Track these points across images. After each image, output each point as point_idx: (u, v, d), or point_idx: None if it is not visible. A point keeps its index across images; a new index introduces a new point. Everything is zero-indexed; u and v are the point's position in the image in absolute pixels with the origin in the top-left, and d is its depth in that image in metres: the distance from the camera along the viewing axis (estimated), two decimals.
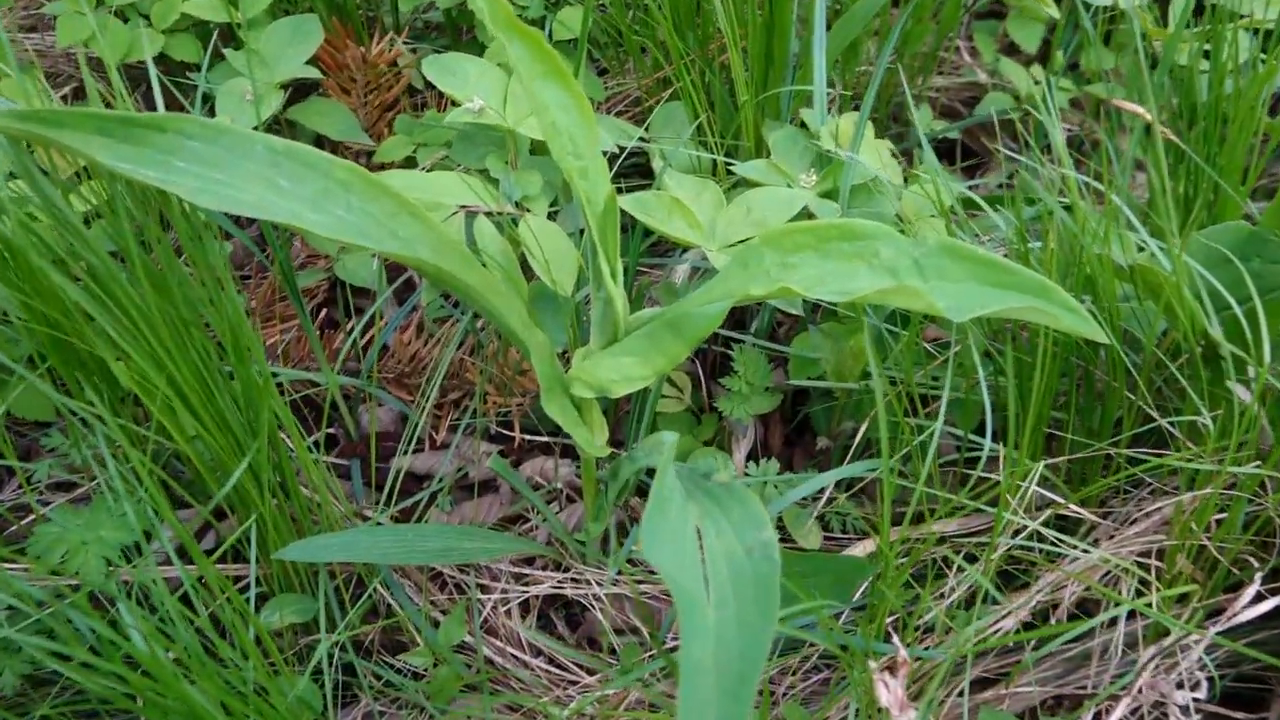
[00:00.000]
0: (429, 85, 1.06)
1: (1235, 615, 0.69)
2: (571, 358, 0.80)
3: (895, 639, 0.62)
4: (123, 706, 0.65)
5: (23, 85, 0.76)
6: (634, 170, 1.00)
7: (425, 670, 0.78)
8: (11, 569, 0.73)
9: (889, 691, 0.57)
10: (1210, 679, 0.70)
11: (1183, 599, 0.76)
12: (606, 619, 0.82)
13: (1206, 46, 0.95)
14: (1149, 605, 0.73)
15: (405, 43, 1.06)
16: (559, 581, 0.83)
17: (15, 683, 0.70)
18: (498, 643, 0.80)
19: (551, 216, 0.86)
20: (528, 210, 0.84)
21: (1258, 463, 0.71)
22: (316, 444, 0.90)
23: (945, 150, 1.19)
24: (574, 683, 0.79)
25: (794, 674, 0.79)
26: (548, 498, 0.89)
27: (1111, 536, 0.78)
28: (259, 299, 0.96)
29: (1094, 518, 0.77)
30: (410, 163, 0.96)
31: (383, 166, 0.95)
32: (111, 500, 0.72)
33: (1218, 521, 0.75)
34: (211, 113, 0.91)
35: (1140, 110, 0.70)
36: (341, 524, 0.81)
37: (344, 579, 0.81)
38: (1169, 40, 0.94)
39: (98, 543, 0.69)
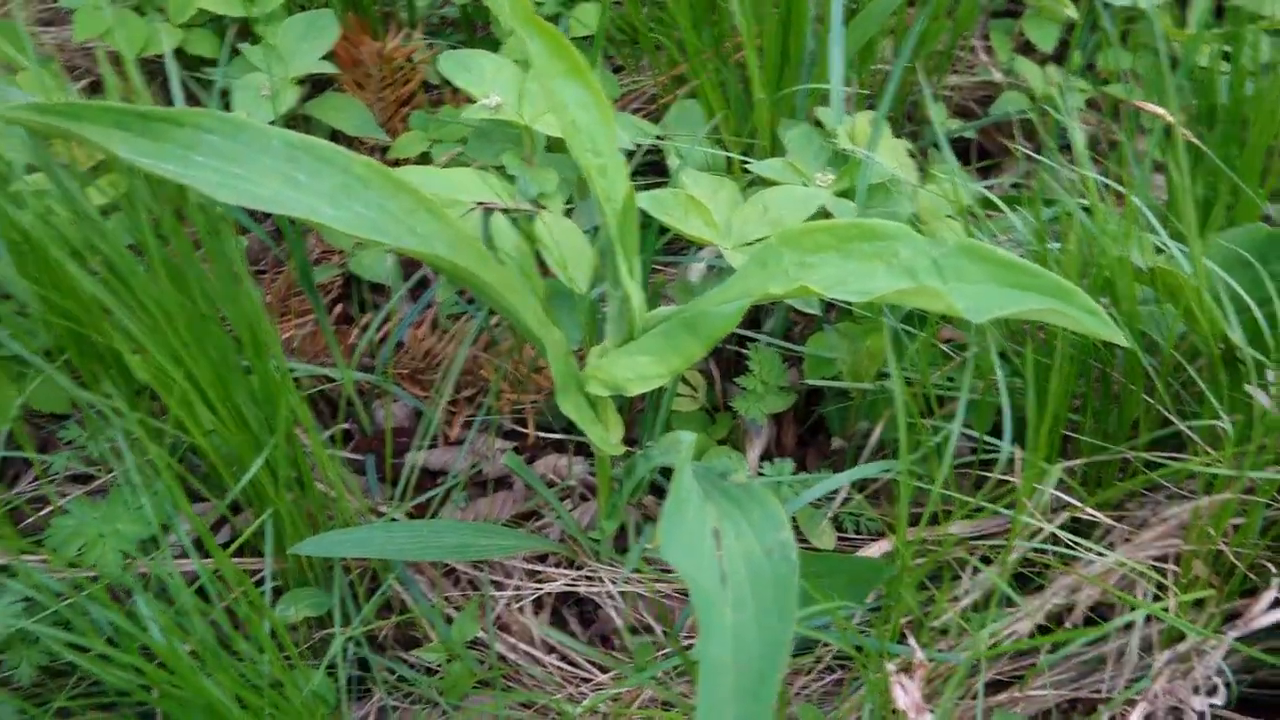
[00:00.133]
0: (444, 81, 1.06)
1: (1253, 620, 0.69)
2: (586, 355, 0.80)
3: (911, 641, 0.62)
4: (140, 699, 0.65)
5: (41, 79, 0.76)
6: (649, 168, 0.99)
7: (439, 666, 0.78)
8: (29, 561, 0.74)
9: (906, 694, 0.57)
10: (1227, 684, 0.70)
11: (1199, 604, 0.76)
12: (620, 617, 0.82)
13: (1226, 48, 0.95)
14: (1165, 610, 0.73)
15: (420, 38, 1.06)
16: (572, 579, 0.83)
17: (32, 673, 0.70)
18: (511, 639, 0.81)
19: (566, 214, 0.86)
20: (543, 207, 0.84)
21: (1277, 468, 0.71)
22: (332, 439, 0.90)
23: (960, 149, 1.18)
24: (587, 680, 0.79)
25: (807, 674, 0.79)
26: (561, 495, 0.89)
27: (1127, 540, 0.77)
28: (274, 293, 0.96)
29: (1110, 521, 0.77)
30: (425, 159, 0.96)
31: (398, 162, 0.95)
32: (128, 493, 0.72)
33: (1235, 526, 0.74)
34: (227, 108, 0.91)
35: (1162, 112, 0.70)
36: (356, 519, 0.81)
37: (358, 574, 0.81)
38: (1188, 41, 0.93)
39: (115, 536, 0.69)
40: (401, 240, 0.65)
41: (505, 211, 0.80)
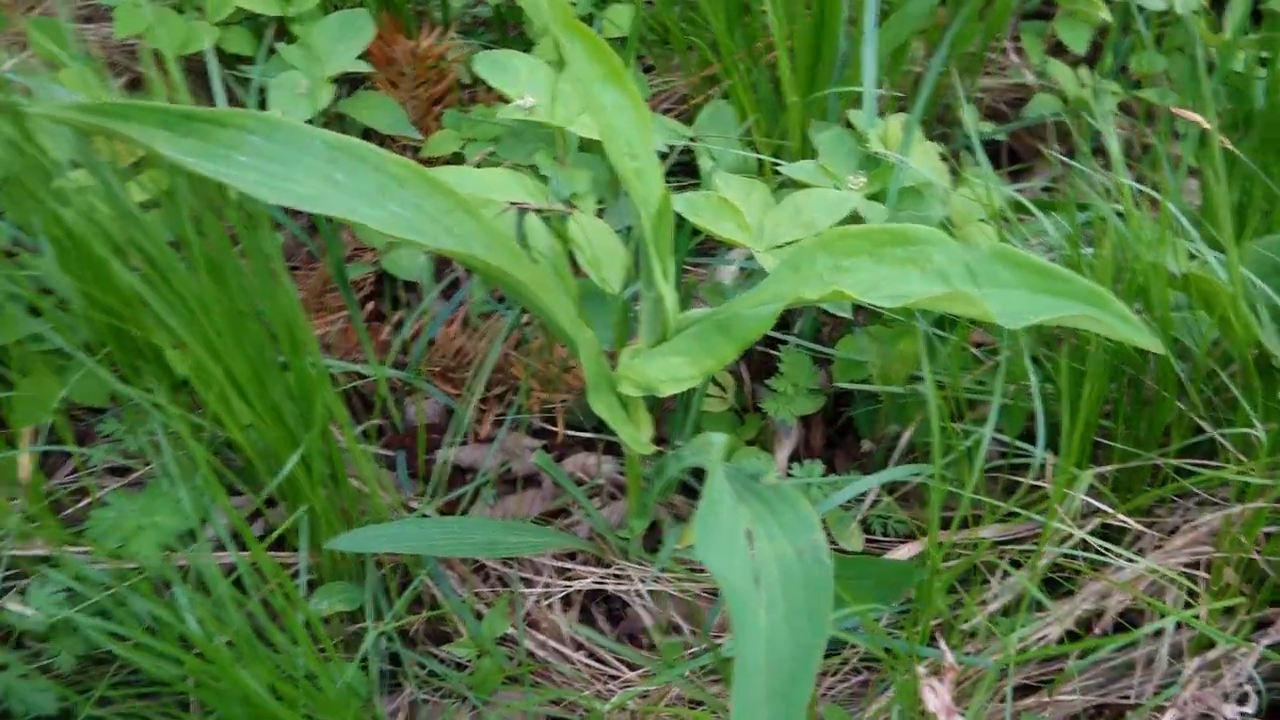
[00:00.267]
0: (476, 80, 1.07)
1: None
2: (617, 355, 0.81)
3: (942, 644, 0.63)
4: (178, 689, 0.66)
5: (85, 77, 0.77)
6: (680, 168, 1.00)
7: (469, 661, 0.79)
8: (69, 551, 0.75)
9: (936, 696, 0.58)
10: (1258, 692, 0.70)
11: (1229, 611, 0.76)
12: (648, 615, 0.82)
13: (1263, 54, 0.94)
14: (1196, 617, 0.73)
15: (453, 37, 1.07)
16: (601, 577, 0.83)
17: (72, 662, 0.72)
18: (540, 636, 0.81)
19: (598, 214, 0.87)
20: (575, 207, 0.84)
21: None
22: (365, 435, 0.91)
23: (991, 152, 1.18)
24: (614, 678, 0.80)
25: (833, 675, 0.79)
26: (590, 493, 0.89)
27: (1158, 547, 0.77)
28: (308, 290, 0.97)
29: (1140, 527, 0.77)
30: (458, 158, 0.96)
31: (430, 160, 0.96)
32: (166, 486, 0.73)
33: (1267, 535, 0.74)
34: (264, 106, 0.92)
35: (1199, 119, 0.70)
36: (388, 515, 0.82)
37: (390, 568, 0.82)
38: (1224, 47, 0.93)
39: (154, 528, 0.70)
40: (439, 240, 0.66)
41: (538, 212, 0.81)
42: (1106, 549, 0.75)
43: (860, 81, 0.91)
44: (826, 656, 0.78)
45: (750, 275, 0.91)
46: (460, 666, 0.80)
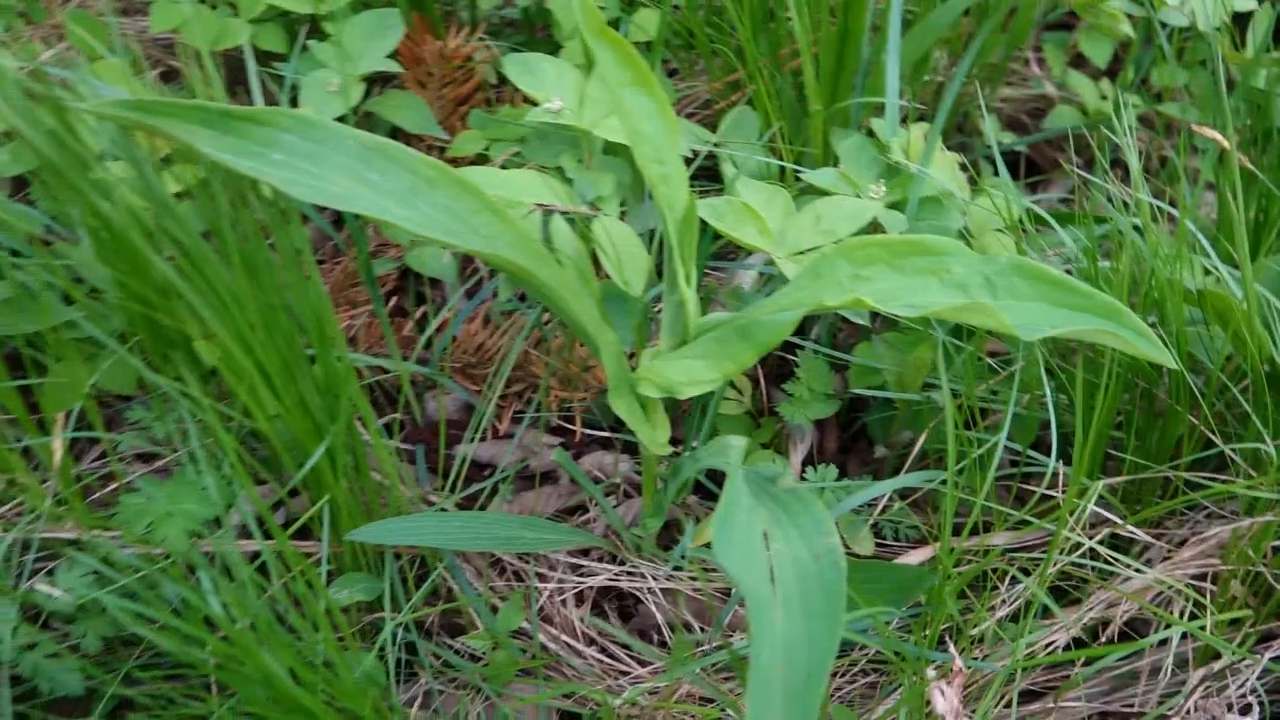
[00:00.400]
0: (502, 80, 1.08)
1: None
2: (636, 357, 0.82)
3: (951, 648, 0.64)
4: (203, 671, 0.68)
5: (124, 72, 0.79)
6: (702, 172, 1.01)
7: (483, 653, 0.80)
8: (97, 536, 0.77)
9: (944, 699, 0.59)
10: (1260, 703, 0.71)
11: (1235, 623, 0.76)
12: (660, 613, 0.83)
13: None
14: (1201, 628, 0.74)
15: (481, 38, 1.08)
16: (614, 574, 0.85)
17: (98, 643, 0.73)
18: (553, 630, 0.83)
19: (620, 216, 0.88)
20: (599, 210, 0.86)
21: None
22: (387, 428, 0.92)
23: (1009, 162, 1.19)
24: (625, 673, 0.81)
25: (841, 676, 0.80)
26: (606, 491, 0.91)
27: (1166, 558, 0.78)
28: (332, 283, 0.99)
29: (1149, 539, 0.78)
30: (482, 157, 0.98)
31: (455, 160, 0.97)
32: (193, 474, 0.75)
33: (1275, 549, 0.75)
34: (295, 103, 0.94)
35: (1219, 137, 0.71)
36: (408, 508, 0.84)
37: (408, 560, 0.83)
38: (1246, 64, 0.93)
39: (182, 514, 0.72)
40: (468, 241, 0.68)
41: (564, 214, 0.82)
42: (1115, 559, 0.76)
43: (882, 90, 0.92)
44: (835, 658, 0.80)
45: (769, 280, 0.92)
46: (475, 658, 0.81)
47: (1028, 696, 0.78)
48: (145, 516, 0.72)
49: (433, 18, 1.08)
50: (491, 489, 0.89)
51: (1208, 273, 0.77)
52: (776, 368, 0.96)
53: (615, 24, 1.04)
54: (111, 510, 0.75)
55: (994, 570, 0.80)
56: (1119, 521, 0.78)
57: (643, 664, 0.82)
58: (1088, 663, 0.76)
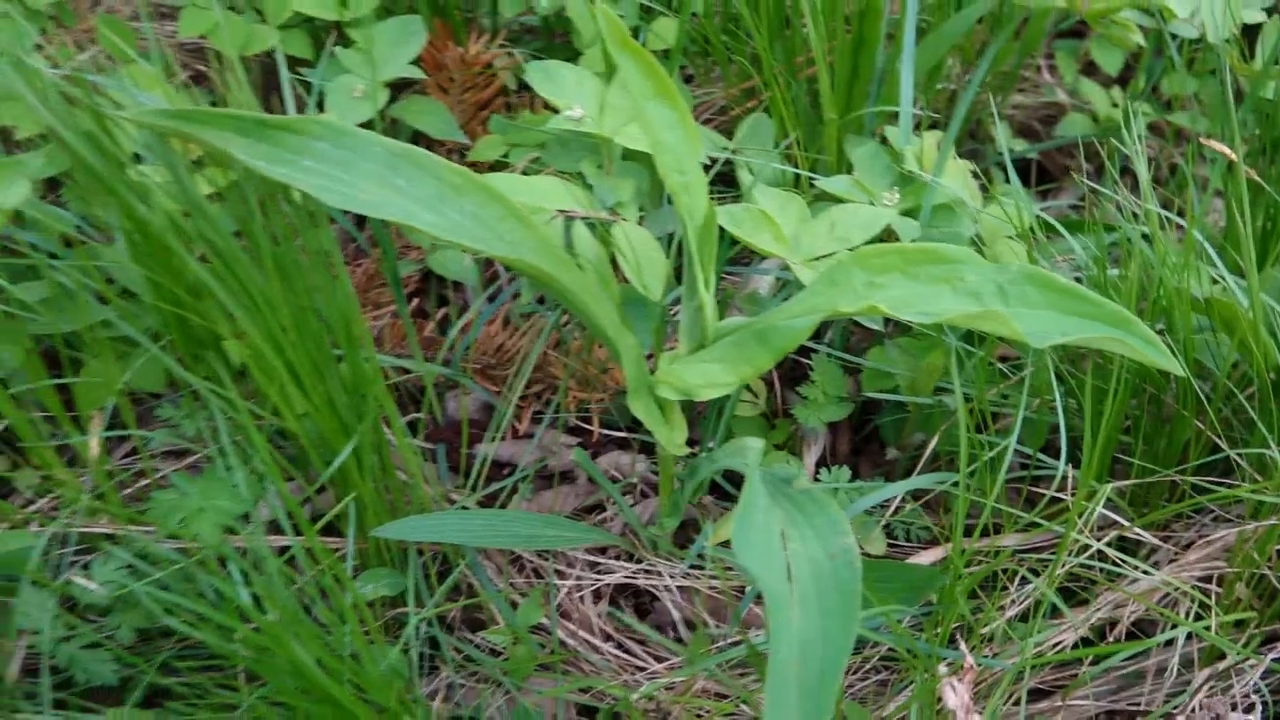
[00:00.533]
0: (522, 86, 1.10)
1: None
2: (655, 359, 0.84)
3: (962, 646, 0.66)
4: (233, 661, 0.70)
5: (159, 79, 0.81)
6: (719, 178, 1.03)
7: (503, 648, 0.82)
8: (131, 530, 0.79)
9: (955, 695, 0.60)
10: (1264, 703, 0.73)
11: (1240, 625, 0.78)
12: (676, 610, 0.85)
13: None
14: (1207, 628, 0.75)
15: (501, 44, 1.10)
16: (631, 572, 0.87)
17: (132, 635, 0.76)
18: (571, 626, 0.85)
19: (639, 222, 0.90)
20: (620, 216, 0.88)
21: None
22: (411, 427, 0.94)
23: (1020, 168, 1.20)
24: (642, 669, 0.83)
25: (854, 674, 0.82)
26: (623, 491, 0.93)
27: (1172, 560, 0.80)
28: (356, 285, 1.01)
29: (1156, 541, 0.80)
30: (502, 163, 1.00)
31: (475, 165, 0.99)
32: (223, 470, 0.77)
33: (1279, 552, 0.77)
34: (320, 108, 0.96)
35: (1227, 151, 0.72)
36: (431, 505, 0.86)
37: (430, 556, 0.85)
38: (1254, 76, 0.95)
39: (214, 510, 0.74)
40: (493, 247, 0.70)
41: (585, 219, 0.84)
42: (1123, 560, 0.78)
43: (896, 98, 0.94)
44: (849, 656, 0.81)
45: (784, 285, 0.94)
46: (495, 653, 0.83)
47: (1036, 694, 0.80)
48: (179, 511, 0.75)
49: (454, 24, 1.10)
50: (511, 488, 0.91)
51: (1215, 281, 0.78)
52: (791, 371, 0.98)
53: (635, 32, 1.06)
54: (144, 505, 0.77)
55: (1004, 571, 0.81)
56: (1127, 524, 0.80)
57: (659, 659, 0.83)
58: (1095, 662, 0.78)
